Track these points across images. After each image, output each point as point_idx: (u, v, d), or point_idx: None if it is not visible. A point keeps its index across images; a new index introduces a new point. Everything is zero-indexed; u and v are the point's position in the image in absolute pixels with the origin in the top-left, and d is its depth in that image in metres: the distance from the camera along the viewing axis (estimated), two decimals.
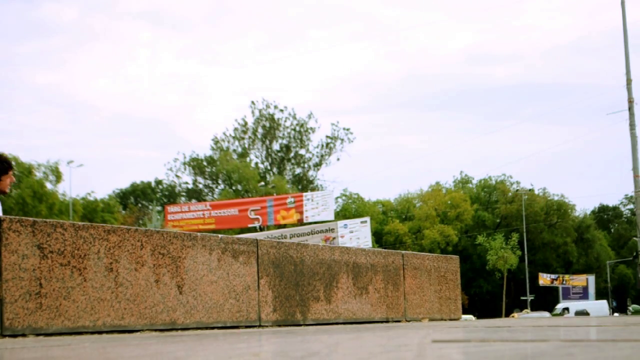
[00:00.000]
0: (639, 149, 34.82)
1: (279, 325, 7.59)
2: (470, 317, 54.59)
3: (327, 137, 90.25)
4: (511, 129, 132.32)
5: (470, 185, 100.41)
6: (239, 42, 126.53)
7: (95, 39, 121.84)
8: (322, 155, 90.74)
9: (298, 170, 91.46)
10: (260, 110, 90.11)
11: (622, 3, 35.64)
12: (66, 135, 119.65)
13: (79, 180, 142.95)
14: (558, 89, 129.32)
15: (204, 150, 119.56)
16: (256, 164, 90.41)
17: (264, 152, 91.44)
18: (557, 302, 79.43)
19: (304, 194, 46.03)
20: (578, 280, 79.27)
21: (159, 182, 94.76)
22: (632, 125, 34.83)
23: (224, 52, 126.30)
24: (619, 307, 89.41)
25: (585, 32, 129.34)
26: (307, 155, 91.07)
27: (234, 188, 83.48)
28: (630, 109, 34.97)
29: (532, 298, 77.86)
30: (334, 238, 37.00)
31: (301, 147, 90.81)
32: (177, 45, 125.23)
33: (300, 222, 41.33)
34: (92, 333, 5.76)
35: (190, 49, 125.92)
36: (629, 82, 35.40)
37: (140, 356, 2.83)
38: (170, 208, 46.50)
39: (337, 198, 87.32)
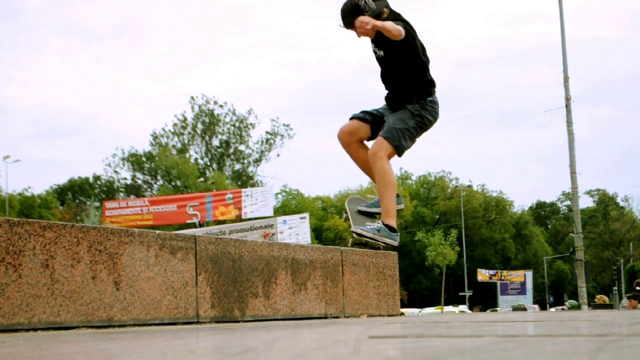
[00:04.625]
0: (575, 146, 35.26)
1: (217, 322, 7.57)
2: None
3: (267, 132, 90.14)
4: (450, 124, 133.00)
5: (410, 182, 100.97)
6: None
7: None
8: (262, 151, 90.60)
9: (238, 166, 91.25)
10: (200, 106, 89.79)
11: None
12: (5, 125, 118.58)
13: (16, 176, 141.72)
14: (498, 86, 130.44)
15: (143, 145, 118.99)
16: (195, 159, 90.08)
17: (204, 148, 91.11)
18: (496, 298, 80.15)
19: (243, 190, 45.97)
20: (516, 276, 80.00)
21: (97, 178, 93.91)
22: (569, 122, 35.23)
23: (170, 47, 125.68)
24: (556, 303, 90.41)
25: (524, 31, 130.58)
26: (247, 151, 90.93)
27: (173, 184, 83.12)
28: (568, 106, 35.34)
29: (471, 294, 78.49)
30: (273, 234, 37.02)
31: (241, 143, 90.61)
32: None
33: (239, 218, 41.25)
34: (27, 330, 5.70)
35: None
36: (566, 79, 35.79)
37: (75, 353, 2.80)
38: (108, 204, 46.19)
39: (276, 194, 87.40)
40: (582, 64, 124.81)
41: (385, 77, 8.31)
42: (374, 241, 8.30)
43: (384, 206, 8.54)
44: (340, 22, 8.10)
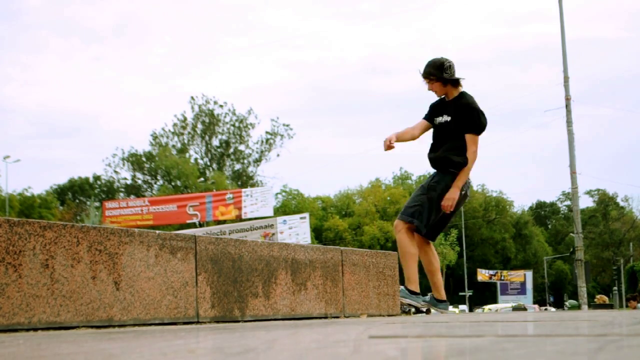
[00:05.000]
0: (575, 146, 35.23)
1: (217, 322, 7.57)
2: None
3: (266, 132, 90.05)
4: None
5: (410, 182, 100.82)
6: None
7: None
8: (262, 151, 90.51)
9: (238, 166, 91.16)
10: (200, 106, 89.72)
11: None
12: (6, 125, 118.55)
13: (16, 176, 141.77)
14: (498, 86, 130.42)
15: (143, 145, 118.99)
16: (195, 159, 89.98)
17: (204, 148, 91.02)
18: (496, 298, 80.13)
19: (243, 190, 45.89)
20: (516, 276, 79.95)
21: (97, 178, 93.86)
22: (569, 122, 35.18)
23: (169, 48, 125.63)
24: (556, 303, 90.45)
25: (522, 32, 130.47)
26: (247, 151, 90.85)
27: (173, 184, 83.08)
28: (568, 106, 35.29)
29: (471, 294, 78.44)
30: (273, 234, 36.99)
31: (241, 143, 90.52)
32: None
33: (239, 218, 41.20)
34: (28, 330, 5.71)
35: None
36: (566, 79, 35.74)
37: (75, 353, 2.80)
38: (108, 204, 46.12)
39: (276, 194, 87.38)
40: (582, 64, 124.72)
41: (437, 141, 9.53)
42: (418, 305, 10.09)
43: (405, 274, 9.85)
44: (422, 68, 9.37)
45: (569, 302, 67.18)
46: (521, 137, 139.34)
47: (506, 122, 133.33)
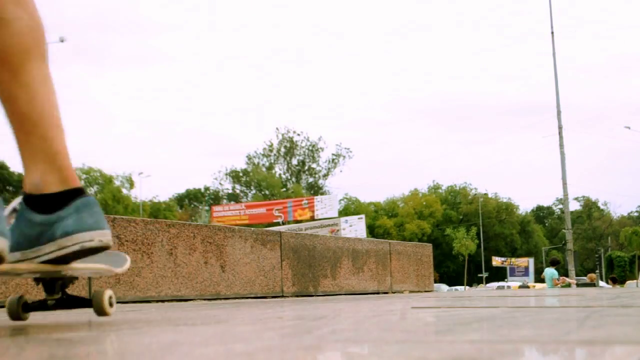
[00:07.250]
0: (566, 163, 34.83)
1: (297, 296, 7.59)
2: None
3: (332, 154, 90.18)
4: (472, 146, 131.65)
5: (440, 191, 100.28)
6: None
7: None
8: (329, 168, 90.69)
9: (311, 180, 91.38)
10: (282, 134, 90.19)
11: (552, 36, 35.52)
12: (141, 149, 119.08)
13: (147, 186, 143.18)
14: (508, 107, 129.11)
15: (241, 164, 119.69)
16: (280, 175, 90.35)
17: (285, 166, 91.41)
18: (506, 277, 79.26)
19: (315, 197, 45.94)
20: (521, 262, 79.00)
21: (207, 189, 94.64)
22: (561, 146, 34.84)
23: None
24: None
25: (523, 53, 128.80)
26: (318, 168, 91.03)
27: (262, 193, 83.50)
28: (560, 133, 34.94)
29: (487, 275, 77.70)
30: (337, 230, 36.97)
31: (313, 162, 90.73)
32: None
33: (312, 219, 41.25)
34: (157, 302, 5.77)
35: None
36: (559, 113, 35.32)
37: (193, 317, 2.84)
38: (215, 208, 46.47)
39: (340, 200, 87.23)
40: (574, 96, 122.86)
41: None
42: None
43: None
44: None
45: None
46: (526, 156, 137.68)
47: (515, 145, 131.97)
